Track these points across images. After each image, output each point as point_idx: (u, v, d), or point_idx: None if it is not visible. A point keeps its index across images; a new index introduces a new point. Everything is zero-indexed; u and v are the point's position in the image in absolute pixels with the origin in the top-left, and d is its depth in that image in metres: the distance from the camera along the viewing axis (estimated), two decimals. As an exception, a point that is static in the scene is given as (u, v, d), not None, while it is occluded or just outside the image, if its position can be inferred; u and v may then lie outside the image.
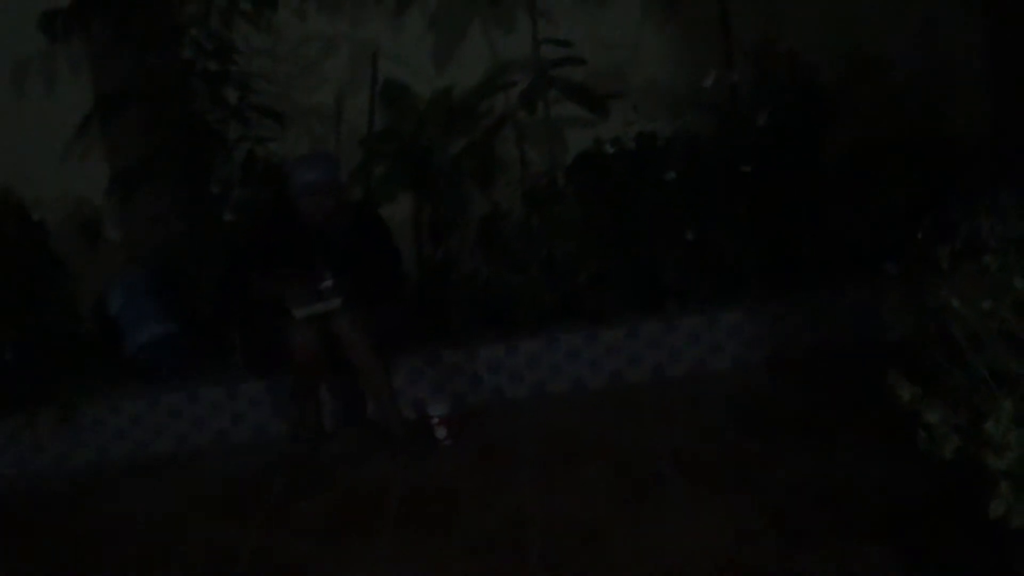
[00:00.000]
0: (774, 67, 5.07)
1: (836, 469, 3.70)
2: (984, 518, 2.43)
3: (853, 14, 5.27)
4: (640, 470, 3.99)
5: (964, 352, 2.59)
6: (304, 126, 5.40)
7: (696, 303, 4.93)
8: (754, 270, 4.92)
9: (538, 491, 3.96)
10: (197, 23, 4.92)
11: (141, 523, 4.23)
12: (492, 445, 4.48)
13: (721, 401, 4.53)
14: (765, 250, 4.91)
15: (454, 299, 5.02)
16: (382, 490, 4.18)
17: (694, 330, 4.88)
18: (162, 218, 5.06)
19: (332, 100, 5.42)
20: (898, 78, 5.23)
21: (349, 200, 4.89)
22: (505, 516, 3.78)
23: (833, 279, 4.86)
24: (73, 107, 5.19)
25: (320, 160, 4.71)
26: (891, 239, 4.39)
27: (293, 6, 5.30)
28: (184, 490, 4.51)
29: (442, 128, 5.24)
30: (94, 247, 5.34)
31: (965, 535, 2.96)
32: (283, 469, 4.50)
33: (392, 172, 5.26)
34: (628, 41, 5.38)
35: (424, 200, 5.26)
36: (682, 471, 3.93)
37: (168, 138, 4.93)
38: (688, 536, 3.43)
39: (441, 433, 4.53)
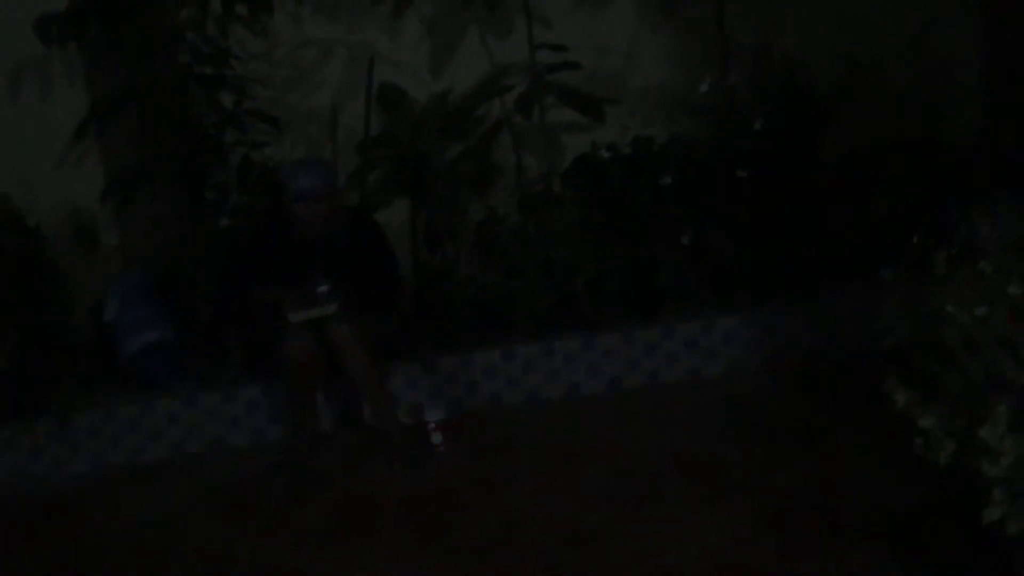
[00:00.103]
0: (770, 72, 5.07)
1: (834, 473, 3.70)
2: (982, 522, 2.43)
3: (849, 19, 5.27)
4: (637, 474, 4.00)
5: (960, 357, 2.59)
6: (300, 131, 5.39)
7: (693, 308, 4.93)
8: (751, 275, 4.92)
9: (535, 495, 3.96)
10: (193, 28, 4.90)
11: (139, 528, 4.23)
12: (489, 450, 4.48)
13: (718, 406, 4.53)
14: (762, 255, 4.91)
15: (450, 304, 5.02)
16: (380, 495, 4.18)
17: (691, 335, 4.88)
18: (158, 224, 5.05)
19: (328, 105, 5.41)
20: (895, 82, 5.23)
21: (345, 205, 4.89)
22: (503, 520, 3.78)
23: (830, 284, 4.86)
24: (69, 112, 5.18)
25: (315, 165, 4.70)
26: (888, 244, 4.38)
27: (289, 11, 5.29)
28: (182, 495, 4.51)
29: (438, 133, 5.23)
30: (90, 253, 5.33)
31: (963, 539, 2.96)
32: (280, 474, 4.50)
33: (388, 177, 5.26)
34: (624, 46, 5.38)
35: (420, 205, 5.25)
36: (680, 475, 3.94)
37: (164, 143, 4.93)
38: (686, 540, 3.43)
39: (437, 438, 4.53)
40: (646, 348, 4.88)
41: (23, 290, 4.95)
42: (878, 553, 3.14)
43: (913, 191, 4.88)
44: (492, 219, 5.21)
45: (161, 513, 4.34)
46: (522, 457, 4.34)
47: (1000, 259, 2.62)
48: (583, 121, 5.14)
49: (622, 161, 4.95)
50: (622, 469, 4.07)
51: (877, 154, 5.08)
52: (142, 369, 5.04)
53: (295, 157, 5.24)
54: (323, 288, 4.42)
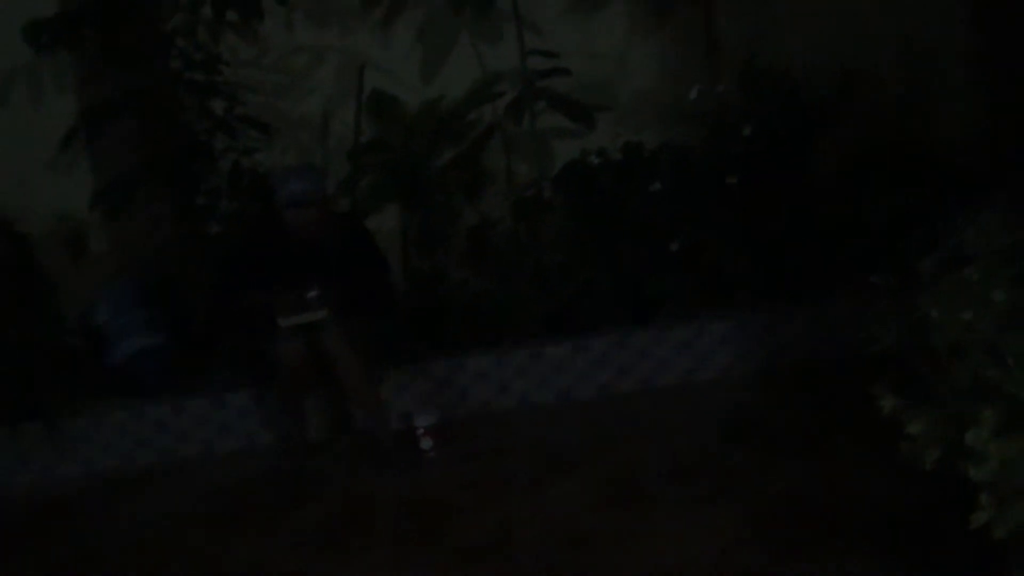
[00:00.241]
0: (761, 78, 5.09)
1: (828, 477, 3.70)
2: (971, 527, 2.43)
3: (840, 25, 5.29)
4: (629, 480, 3.99)
5: (946, 363, 2.59)
6: (291, 137, 5.40)
7: (684, 314, 4.93)
8: (743, 280, 4.93)
9: (528, 500, 3.95)
10: (184, 34, 4.91)
11: (129, 535, 4.21)
12: (481, 455, 4.47)
13: (709, 411, 4.53)
14: (754, 260, 4.92)
15: (442, 310, 5.02)
16: (371, 501, 4.17)
17: (682, 341, 4.88)
18: (148, 229, 5.05)
19: (319, 111, 5.42)
20: (887, 88, 5.24)
21: (336, 211, 4.89)
22: (497, 524, 3.77)
23: (823, 288, 4.86)
24: (59, 118, 5.19)
25: (306, 172, 4.70)
26: (881, 248, 4.40)
27: (280, 17, 5.29)
28: (172, 502, 4.50)
29: (430, 139, 5.24)
30: (80, 258, 5.33)
31: (954, 544, 2.96)
32: (271, 480, 4.49)
33: (380, 183, 5.27)
34: (616, 52, 5.39)
35: (412, 211, 5.26)
36: (671, 481, 3.93)
37: (155, 149, 4.94)
38: (678, 545, 3.43)
39: (427, 444, 4.52)
40: (638, 353, 4.88)
41: (11, 296, 4.94)
42: (873, 556, 3.14)
43: (906, 196, 4.89)
44: (483, 225, 5.22)
45: (152, 519, 4.32)
46: (514, 462, 4.33)
47: (986, 265, 2.62)
48: (574, 127, 5.16)
49: (612, 167, 4.96)
50: (616, 473, 4.06)
51: (869, 159, 5.09)
52: (132, 374, 5.04)
53: (286, 163, 5.25)
54: (313, 293, 4.42)
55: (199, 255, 4.98)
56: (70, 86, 5.30)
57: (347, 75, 5.34)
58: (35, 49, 4.86)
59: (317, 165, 5.29)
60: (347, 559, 3.71)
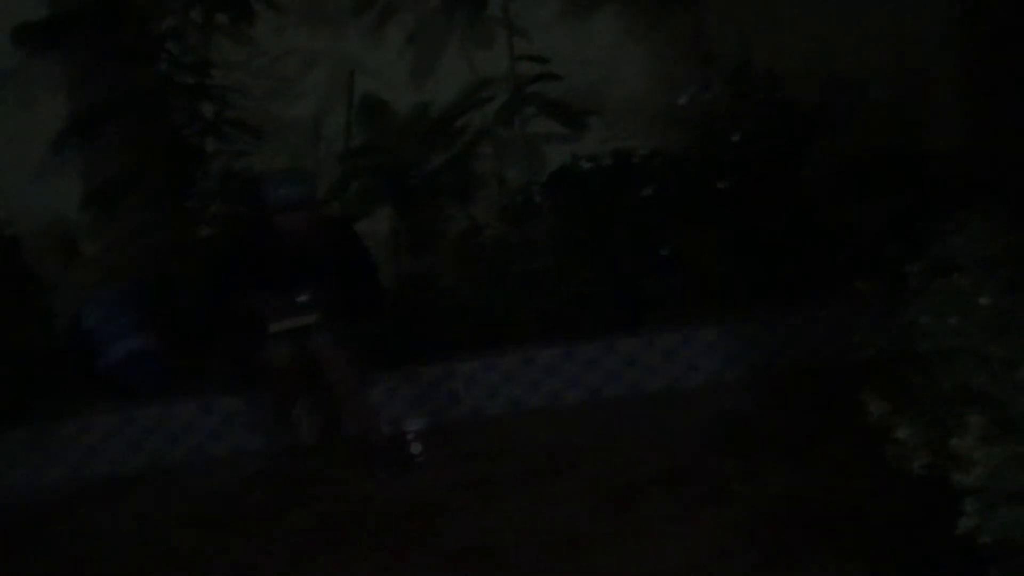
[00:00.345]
0: (751, 85, 5.10)
1: (816, 483, 3.71)
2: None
3: (830, 33, 5.30)
4: (617, 485, 3.99)
5: (933, 369, 2.60)
6: (282, 141, 5.39)
7: (673, 319, 4.94)
8: (732, 286, 4.94)
9: (518, 505, 3.95)
10: (174, 37, 4.90)
11: (117, 540, 4.19)
12: (471, 460, 4.47)
13: (701, 416, 4.54)
14: (743, 266, 4.93)
15: (432, 314, 5.02)
16: (361, 505, 4.17)
17: (671, 346, 4.88)
18: (139, 233, 5.05)
19: (310, 115, 5.42)
20: (875, 96, 5.26)
21: (326, 215, 4.89)
22: (485, 530, 3.78)
23: (812, 295, 4.88)
24: (50, 122, 5.18)
25: (296, 176, 4.71)
26: (870, 255, 4.41)
27: (271, 21, 5.29)
28: (162, 505, 4.49)
29: (420, 143, 5.24)
30: (70, 262, 5.31)
31: (942, 549, 2.97)
32: (262, 484, 4.48)
33: (370, 187, 5.27)
34: (606, 58, 5.40)
35: (402, 215, 5.26)
36: (663, 485, 3.93)
37: (145, 153, 4.93)
38: (666, 550, 3.43)
39: (416, 448, 4.52)
40: (627, 359, 4.89)
41: (1, 299, 4.92)
42: (861, 562, 3.15)
43: (896, 202, 4.90)
44: (474, 229, 5.23)
45: (141, 523, 4.31)
46: (505, 466, 4.33)
47: (973, 271, 2.64)
48: (565, 132, 5.17)
49: (602, 172, 4.97)
50: (604, 479, 4.06)
51: (859, 166, 5.11)
52: (123, 377, 5.03)
53: (276, 167, 5.23)
54: (303, 298, 4.42)
55: (190, 258, 4.97)
56: (60, 89, 5.28)
57: (338, 79, 5.34)
58: (25, 52, 4.84)
59: (307, 169, 5.28)
60: (337, 563, 3.71)
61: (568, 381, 4.89)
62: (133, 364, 5.03)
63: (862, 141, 5.17)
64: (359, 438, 4.61)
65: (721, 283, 4.95)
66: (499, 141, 5.31)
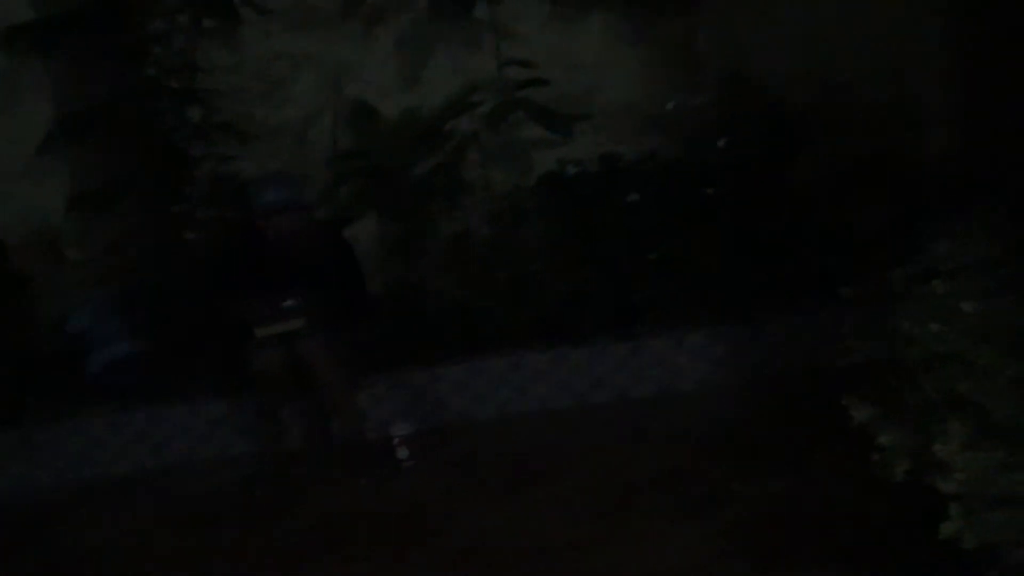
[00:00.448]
0: (740, 91, 5.11)
1: (804, 489, 3.71)
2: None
3: (819, 40, 5.31)
4: (606, 491, 3.99)
5: (916, 374, 2.61)
6: (270, 145, 5.38)
7: (663, 324, 4.94)
8: (720, 291, 4.94)
9: (505, 511, 3.95)
10: (161, 40, 4.89)
11: (104, 546, 4.18)
12: (458, 465, 4.47)
13: (685, 423, 4.53)
14: (731, 271, 4.93)
15: (420, 319, 5.02)
16: (349, 510, 4.16)
17: (660, 352, 4.88)
18: (126, 237, 5.03)
19: (299, 119, 5.41)
20: (863, 103, 5.27)
21: (314, 220, 4.88)
22: (472, 535, 3.77)
23: (801, 300, 4.88)
24: (36, 125, 5.16)
25: (283, 180, 4.70)
26: (857, 262, 4.41)
27: (259, 25, 5.28)
28: (149, 512, 4.47)
29: (408, 148, 5.24)
30: (57, 266, 5.30)
31: (927, 554, 2.97)
32: (249, 489, 4.47)
33: (358, 192, 5.27)
34: (595, 62, 5.40)
35: (390, 220, 5.25)
36: (649, 491, 3.93)
37: (131, 157, 4.92)
38: (656, 555, 3.43)
39: (403, 453, 4.51)
40: (616, 364, 4.88)
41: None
42: (851, 566, 3.15)
43: (884, 210, 4.91)
44: (462, 234, 5.22)
45: (126, 530, 4.29)
46: (491, 472, 4.33)
47: (956, 277, 2.65)
48: (553, 136, 5.17)
49: (590, 177, 4.98)
50: (592, 484, 4.06)
51: (848, 173, 5.12)
52: (110, 382, 5.01)
53: (264, 171, 5.22)
54: (291, 302, 4.42)
55: (178, 263, 4.96)
56: (47, 92, 5.27)
57: (326, 83, 5.34)
58: (11, 55, 4.83)
59: (296, 173, 5.27)
60: (325, 568, 3.71)
61: (557, 386, 4.89)
62: (121, 368, 5.01)
63: (855, 145, 5.18)
64: (347, 443, 4.60)
65: (711, 288, 4.95)
66: (487, 146, 5.31)
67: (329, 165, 5.29)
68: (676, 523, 3.63)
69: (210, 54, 5.14)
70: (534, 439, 4.64)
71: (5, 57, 4.87)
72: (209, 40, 5.08)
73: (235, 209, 4.96)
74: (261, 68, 5.34)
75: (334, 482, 4.47)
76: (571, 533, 3.68)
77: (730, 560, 3.32)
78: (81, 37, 4.83)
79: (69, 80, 5.16)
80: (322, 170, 5.31)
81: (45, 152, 5.21)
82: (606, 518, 3.77)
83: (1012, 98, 4.85)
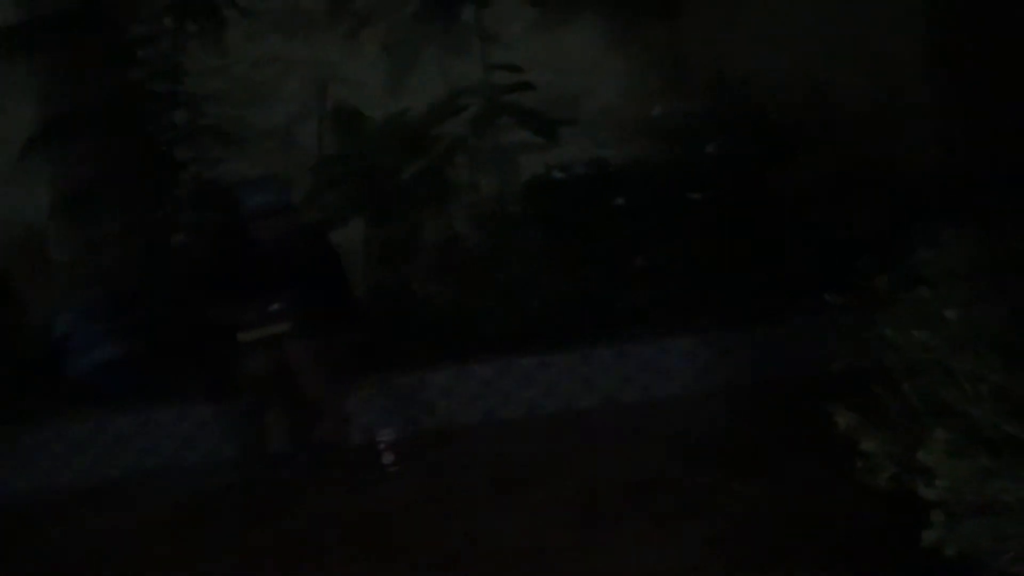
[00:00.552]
0: (726, 96, 5.11)
1: (784, 496, 3.71)
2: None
3: (806, 45, 5.32)
4: (590, 497, 3.98)
5: (900, 381, 2.61)
6: (256, 148, 5.37)
7: (648, 330, 4.94)
8: (706, 297, 4.94)
9: (489, 516, 3.94)
10: (146, 44, 4.88)
11: (90, 549, 4.16)
12: (443, 470, 4.47)
13: (671, 428, 4.54)
14: (717, 277, 4.93)
15: (406, 323, 5.01)
16: (332, 516, 4.15)
17: (646, 357, 4.88)
18: (110, 240, 5.02)
19: (284, 123, 5.40)
20: (847, 110, 5.28)
21: (300, 224, 4.87)
22: (456, 541, 3.76)
23: (786, 307, 4.88)
24: (20, 128, 5.14)
25: (269, 184, 4.70)
26: (842, 268, 4.41)
27: (244, 28, 5.27)
28: (133, 516, 4.45)
29: (395, 152, 5.24)
30: (41, 269, 5.28)
31: (917, 561, 2.98)
32: (234, 493, 4.46)
33: (344, 196, 5.26)
34: (581, 68, 5.41)
35: (377, 224, 5.25)
36: (633, 497, 3.93)
37: (116, 160, 4.90)
38: (638, 561, 3.43)
39: (389, 458, 4.51)
40: (601, 369, 4.88)
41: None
42: (833, 574, 3.16)
43: (869, 216, 4.92)
44: (448, 239, 5.22)
45: (113, 533, 4.27)
46: (476, 477, 4.32)
47: (940, 284, 2.65)
48: (539, 141, 5.17)
49: (577, 182, 4.98)
50: (576, 490, 4.05)
51: (833, 179, 5.12)
52: (95, 386, 4.99)
53: (250, 175, 5.21)
54: (275, 306, 4.41)
55: (163, 266, 4.95)
56: (30, 95, 5.24)
57: (312, 87, 5.33)
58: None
59: (281, 177, 5.26)
60: (309, 573, 3.69)
61: (543, 391, 4.89)
62: (106, 372, 5.00)
63: (841, 149, 5.19)
64: (332, 447, 4.59)
65: (696, 294, 4.95)
66: (474, 150, 5.31)
67: (315, 169, 5.27)
68: (661, 529, 3.63)
69: (196, 57, 5.13)
70: (520, 444, 4.63)
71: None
72: (195, 43, 5.06)
73: (221, 213, 4.94)
74: (247, 71, 5.33)
75: (318, 486, 4.46)
76: (557, 538, 3.67)
77: (713, 566, 3.32)
78: (67, 40, 4.81)
79: (54, 83, 5.14)
80: (308, 174, 5.30)
81: (30, 155, 5.19)
82: (591, 523, 3.77)
83: (998, 102, 4.88)
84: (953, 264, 2.77)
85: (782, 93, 5.12)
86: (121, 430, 4.87)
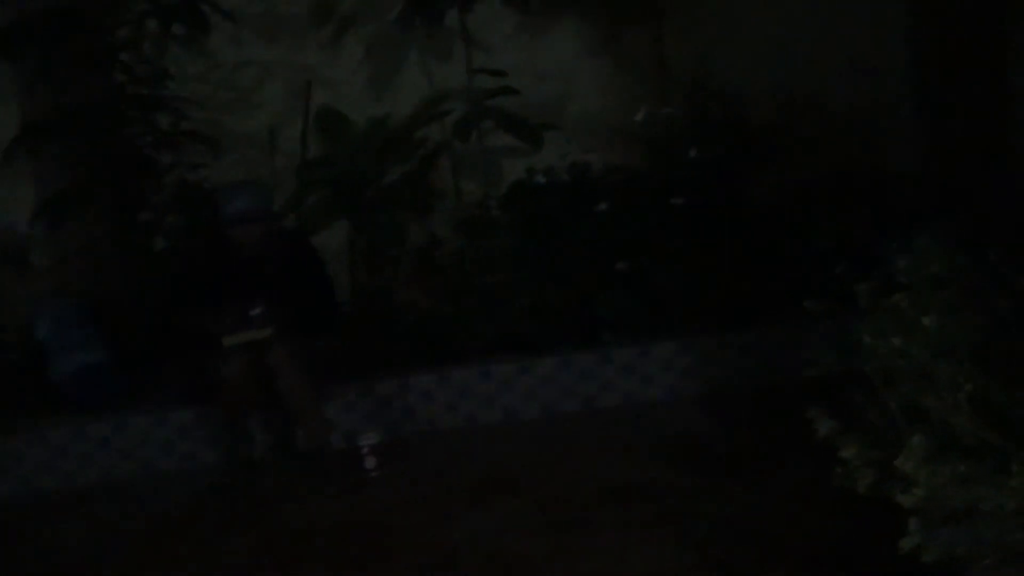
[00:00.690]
0: (707, 102, 5.13)
1: (766, 502, 3.72)
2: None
3: (787, 52, 5.34)
4: (572, 501, 3.99)
5: (878, 388, 2.62)
6: (238, 153, 5.37)
7: (630, 335, 4.95)
8: (688, 302, 4.95)
9: (471, 522, 3.93)
10: (129, 47, 4.86)
11: (67, 556, 4.13)
12: (425, 475, 4.45)
13: (653, 433, 4.54)
14: (698, 282, 4.95)
15: (388, 328, 5.01)
16: (313, 523, 4.13)
17: (627, 361, 4.89)
18: (91, 245, 4.99)
19: (267, 127, 5.39)
20: (829, 117, 5.30)
21: (282, 228, 4.86)
22: (437, 546, 3.75)
23: (768, 312, 4.90)
24: (1, 131, 5.11)
25: (251, 188, 4.68)
26: (822, 275, 4.43)
27: (228, 32, 5.26)
28: (112, 521, 4.43)
29: (377, 156, 5.24)
30: (20, 274, 5.25)
31: (897, 568, 2.98)
32: (213, 502, 4.44)
33: (327, 200, 5.26)
34: (564, 72, 5.42)
35: (359, 228, 5.24)
36: (614, 502, 3.93)
37: (97, 165, 4.88)
38: (620, 567, 3.43)
39: (370, 463, 4.50)
40: (583, 374, 4.89)
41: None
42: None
43: (849, 222, 4.94)
44: (431, 243, 5.22)
45: (88, 542, 4.24)
46: (458, 482, 4.31)
47: (917, 291, 2.66)
48: (522, 146, 5.17)
49: (559, 187, 4.99)
50: (557, 496, 4.05)
51: (814, 185, 5.14)
52: (73, 391, 4.96)
53: (232, 179, 5.20)
54: (257, 311, 4.39)
55: (143, 271, 4.92)
56: (11, 98, 5.22)
57: (295, 91, 5.33)
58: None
59: (263, 181, 5.25)
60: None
61: (524, 396, 4.89)
62: (85, 377, 4.97)
63: (815, 160, 5.21)
64: (313, 452, 4.58)
65: (677, 299, 4.96)
66: (457, 155, 5.31)
67: (297, 173, 5.26)
68: (639, 535, 3.63)
69: (179, 61, 5.12)
70: (501, 449, 4.63)
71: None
72: (178, 47, 5.05)
73: (202, 217, 4.93)
74: (230, 76, 5.33)
75: (299, 492, 4.44)
76: (536, 545, 3.67)
77: (693, 571, 3.33)
78: (47, 43, 4.77)
79: (34, 86, 5.11)
80: (291, 178, 5.29)
81: (11, 158, 5.16)
82: (570, 529, 3.77)
83: (976, 110, 4.91)
84: (930, 271, 2.77)
85: (763, 99, 5.14)
86: (100, 436, 4.84)
